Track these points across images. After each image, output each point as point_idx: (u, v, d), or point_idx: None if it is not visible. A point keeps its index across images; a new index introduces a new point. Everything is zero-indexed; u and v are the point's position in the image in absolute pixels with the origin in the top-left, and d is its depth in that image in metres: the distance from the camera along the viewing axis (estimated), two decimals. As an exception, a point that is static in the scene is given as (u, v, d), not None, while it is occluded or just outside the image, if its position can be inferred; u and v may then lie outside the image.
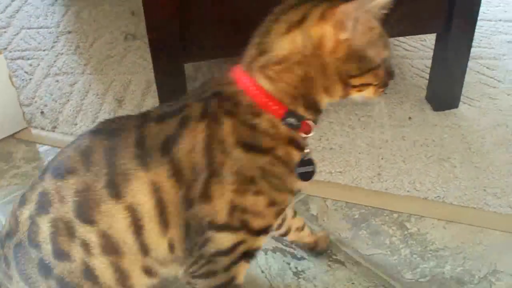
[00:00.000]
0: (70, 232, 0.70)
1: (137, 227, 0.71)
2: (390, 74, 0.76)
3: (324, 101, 0.73)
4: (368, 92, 0.75)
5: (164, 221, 0.71)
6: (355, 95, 0.75)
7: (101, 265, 0.72)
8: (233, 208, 0.70)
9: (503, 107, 1.45)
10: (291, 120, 0.70)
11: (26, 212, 0.73)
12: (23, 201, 0.74)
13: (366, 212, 1.15)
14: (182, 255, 0.74)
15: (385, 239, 1.09)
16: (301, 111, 0.71)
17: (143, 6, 1.11)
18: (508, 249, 1.07)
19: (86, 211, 0.70)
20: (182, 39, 1.17)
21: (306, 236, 1.02)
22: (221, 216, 0.70)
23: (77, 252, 0.71)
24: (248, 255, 0.75)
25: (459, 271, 1.03)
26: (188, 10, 1.14)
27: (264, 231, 0.74)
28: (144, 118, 0.74)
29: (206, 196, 0.70)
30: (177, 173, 0.69)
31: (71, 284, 0.72)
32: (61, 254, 0.71)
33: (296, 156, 0.73)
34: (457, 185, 1.21)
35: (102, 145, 0.72)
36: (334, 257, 1.06)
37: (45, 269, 0.72)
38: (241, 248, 0.73)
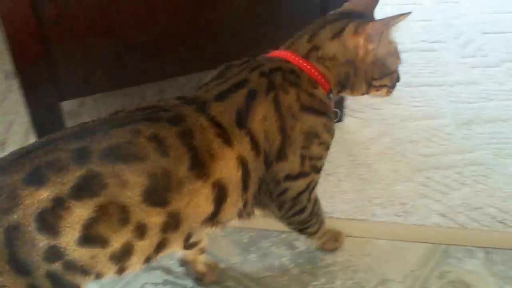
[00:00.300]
0: (124, 217, 0.71)
1: (219, 200, 0.79)
2: (398, 78, 0.98)
3: (347, 93, 0.97)
4: (382, 92, 0.97)
5: (245, 187, 0.82)
6: (373, 94, 0.97)
7: (147, 242, 0.74)
8: (303, 159, 0.87)
9: (387, 116, 1.51)
10: (331, 95, 0.92)
11: (44, 193, 0.67)
12: (37, 181, 0.68)
13: (255, 236, 1.15)
14: (250, 208, 0.87)
15: (275, 261, 1.09)
16: (334, 93, 0.94)
17: (8, 47, 1.08)
18: (395, 257, 1.10)
19: (161, 194, 0.72)
20: (53, 78, 1.14)
21: (200, 263, 1.04)
22: (296, 168, 0.88)
23: (122, 237, 0.72)
24: (316, 183, 0.95)
25: (349, 285, 1.04)
26: (55, 49, 1.12)
27: (322, 168, 0.94)
28: (196, 101, 0.80)
29: (282, 156, 0.85)
30: (254, 142, 0.81)
31: (85, 268, 0.71)
32: (94, 240, 0.70)
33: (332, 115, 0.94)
34: (343, 198, 1.24)
35: (173, 131, 0.75)
36: (225, 284, 1.06)
37: (54, 255, 0.69)
38: (312, 184, 0.93)
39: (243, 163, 0.80)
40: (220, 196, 0.79)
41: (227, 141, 0.78)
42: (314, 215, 0.99)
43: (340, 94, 0.97)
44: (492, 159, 1.38)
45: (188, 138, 0.75)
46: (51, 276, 0.70)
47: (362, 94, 0.98)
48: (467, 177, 1.32)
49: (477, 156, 1.38)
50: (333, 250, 1.11)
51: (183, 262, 1.05)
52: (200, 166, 0.75)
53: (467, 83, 1.67)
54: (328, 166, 1.30)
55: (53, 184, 0.68)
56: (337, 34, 0.90)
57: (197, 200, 0.76)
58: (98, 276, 0.74)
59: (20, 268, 0.68)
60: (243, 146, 0.80)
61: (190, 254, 1.02)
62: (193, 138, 0.75)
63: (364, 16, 0.92)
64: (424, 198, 1.25)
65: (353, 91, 0.96)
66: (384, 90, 0.97)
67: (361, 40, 0.89)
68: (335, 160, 1.34)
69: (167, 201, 0.73)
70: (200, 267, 1.05)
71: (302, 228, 1.00)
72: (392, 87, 0.98)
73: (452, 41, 1.80)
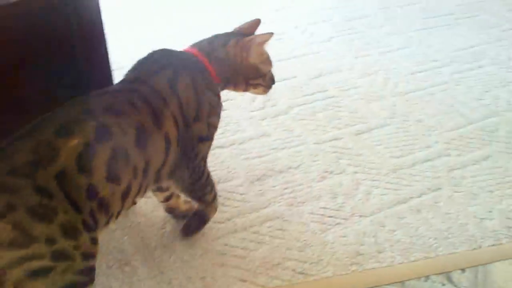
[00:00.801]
0: (126, 159, 0.97)
1: (167, 150, 1.08)
2: (272, 80, 1.34)
3: (231, 89, 1.32)
4: (259, 90, 1.33)
5: (178, 143, 1.10)
6: (251, 91, 1.33)
7: (137, 186, 1.01)
8: (208, 125, 1.20)
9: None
10: (220, 85, 1.26)
11: (73, 141, 0.89)
12: (65, 133, 0.90)
13: None
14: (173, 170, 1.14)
15: None
16: (221, 86, 1.27)
17: None
18: None
19: (143, 141, 1.00)
20: None
21: (181, 204, 1.38)
22: (204, 131, 1.19)
23: (126, 177, 0.97)
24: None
25: None
26: None
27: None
28: (136, 79, 1.12)
29: (197, 118, 1.15)
30: (180, 105, 1.10)
31: (109, 204, 0.95)
32: (114, 178, 0.94)
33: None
34: (141, 286, 1.20)
35: (135, 96, 1.04)
36: None
37: (91, 193, 0.91)
38: (208, 150, 1.24)
39: (176, 121, 1.08)
40: (168, 147, 1.07)
41: (166, 101, 1.07)
42: (210, 183, 1.27)
43: (226, 88, 1.30)
44: (286, 210, 1.43)
45: (147, 101, 1.04)
46: (92, 215, 0.92)
47: (243, 91, 1.33)
48: (264, 235, 1.35)
49: (272, 211, 1.43)
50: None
51: (170, 210, 1.37)
52: (157, 120, 1.04)
53: (257, 136, 1.73)
54: (122, 256, 1.26)
55: (78, 133, 0.91)
56: (224, 44, 1.24)
57: (157, 147, 1.05)
58: (111, 217, 0.98)
59: (76, 206, 0.88)
60: (174, 107, 1.09)
61: (171, 202, 1.35)
62: (150, 101, 1.05)
63: (246, 35, 1.27)
64: (223, 267, 1.25)
65: (236, 87, 1.32)
66: (261, 88, 1.33)
67: (238, 50, 1.24)
68: (128, 248, 1.30)
69: (146, 147, 1.01)
70: (183, 207, 1.37)
71: (202, 194, 1.26)
72: (267, 87, 1.34)
73: (240, 97, 1.86)
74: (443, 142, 1.68)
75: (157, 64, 1.15)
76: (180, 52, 1.22)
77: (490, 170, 1.57)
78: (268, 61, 1.31)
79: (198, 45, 1.26)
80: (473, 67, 2.14)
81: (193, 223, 1.32)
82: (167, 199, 1.35)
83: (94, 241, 0.92)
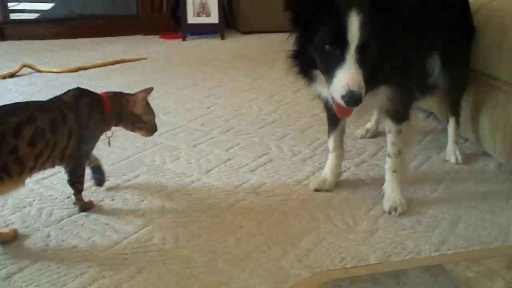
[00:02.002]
0: (42, 135, 1.73)
1: (69, 140, 1.83)
2: (154, 127, 2.00)
3: (122, 126, 1.99)
4: (143, 133, 2.00)
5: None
6: (137, 131, 1.99)
7: (46, 154, 1.76)
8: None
9: None
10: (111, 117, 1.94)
11: (15, 119, 1.67)
12: (11, 115, 1.69)
13: None
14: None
15: None
16: (111, 122, 1.96)
17: None
18: None
19: (54, 128, 1.76)
20: None
21: None
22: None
23: (40, 145, 1.73)
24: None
25: None
26: None
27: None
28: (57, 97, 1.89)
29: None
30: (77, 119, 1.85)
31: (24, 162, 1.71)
32: (32, 145, 1.70)
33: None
34: None
35: (55, 105, 1.84)
36: None
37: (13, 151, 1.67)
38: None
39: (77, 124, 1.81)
40: (69, 137, 1.79)
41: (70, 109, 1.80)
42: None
43: (118, 125, 1.97)
44: None
45: (60, 108, 1.80)
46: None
47: (130, 130, 1.98)
48: None
49: None
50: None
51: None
52: (63, 119, 1.77)
53: None
54: None
55: (18, 116, 1.66)
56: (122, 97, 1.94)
57: (63, 135, 1.78)
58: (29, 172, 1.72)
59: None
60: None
61: None
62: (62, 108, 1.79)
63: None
64: None
65: (124, 126, 1.97)
66: (144, 131, 1.98)
67: (128, 103, 1.92)
68: None
69: (56, 133, 1.74)
70: None
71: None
72: (150, 131, 1.99)
73: None
74: (97, 265, 1.66)
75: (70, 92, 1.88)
76: (93, 93, 1.93)
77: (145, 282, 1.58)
78: (149, 112, 1.97)
79: (108, 92, 1.96)
80: (129, 177, 2.21)
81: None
82: None
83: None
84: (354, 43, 1.57)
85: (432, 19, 2.03)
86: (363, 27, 1.57)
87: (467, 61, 2.33)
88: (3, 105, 1.72)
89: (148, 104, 1.97)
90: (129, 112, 1.93)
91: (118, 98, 1.94)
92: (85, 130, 1.84)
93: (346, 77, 1.57)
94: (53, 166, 1.80)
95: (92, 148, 1.93)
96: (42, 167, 1.74)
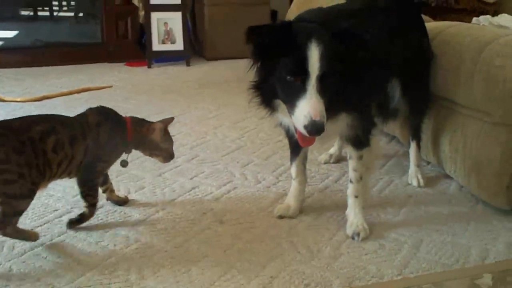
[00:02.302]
0: (63, 146, 1.91)
1: (85, 156, 2.00)
2: (172, 155, 2.11)
3: (141, 151, 2.13)
4: (161, 159, 2.11)
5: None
6: (155, 157, 2.12)
7: (65, 164, 1.94)
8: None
9: None
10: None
11: (38, 128, 1.89)
12: (36, 124, 1.88)
13: None
14: None
15: None
16: (131, 146, 2.10)
17: None
18: None
19: (73, 142, 1.94)
20: None
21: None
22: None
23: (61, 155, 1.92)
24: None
25: None
26: None
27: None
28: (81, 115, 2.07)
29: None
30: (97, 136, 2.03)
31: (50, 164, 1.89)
32: (57, 151, 1.90)
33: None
34: None
35: (77, 122, 2.01)
36: None
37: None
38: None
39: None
40: (86, 152, 1.95)
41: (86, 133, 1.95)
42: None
43: (137, 150, 2.11)
44: None
45: (82, 126, 1.97)
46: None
47: (149, 155, 2.13)
48: None
49: None
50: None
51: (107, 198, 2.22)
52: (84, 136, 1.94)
53: None
54: None
55: (41, 125, 1.83)
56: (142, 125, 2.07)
57: (80, 150, 1.94)
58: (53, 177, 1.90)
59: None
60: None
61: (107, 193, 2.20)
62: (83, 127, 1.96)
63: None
64: None
65: (143, 152, 2.10)
66: (161, 157, 2.11)
67: (144, 131, 2.05)
68: None
69: (74, 147, 1.91)
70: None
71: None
72: (166, 158, 2.12)
73: None
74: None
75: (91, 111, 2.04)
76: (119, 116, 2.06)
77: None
78: (168, 140, 2.09)
79: (132, 117, 2.07)
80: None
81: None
82: (104, 191, 2.17)
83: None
84: (315, 73, 1.62)
85: (391, 46, 2.08)
86: (323, 57, 1.62)
87: (426, 86, 2.40)
88: (27, 116, 1.92)
89: (167, 133, 2.08)
90: (148, 139, 2.05)
91: (140, 125, 2.05)
92: (103, 151, 1.96)
93: (308, 107, 1.61)
94: (69, 176, 1.96)
95: (109, 167, 2.06)
96: (61, 176, 1.91)
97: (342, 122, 1.87)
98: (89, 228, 2.05)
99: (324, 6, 2.13)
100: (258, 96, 1.82)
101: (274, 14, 5.99)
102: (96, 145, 1.93)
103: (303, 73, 1.62)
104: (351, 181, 2.04)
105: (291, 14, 3.58)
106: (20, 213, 1.80)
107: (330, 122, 1.75)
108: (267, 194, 2.35)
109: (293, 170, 2.17)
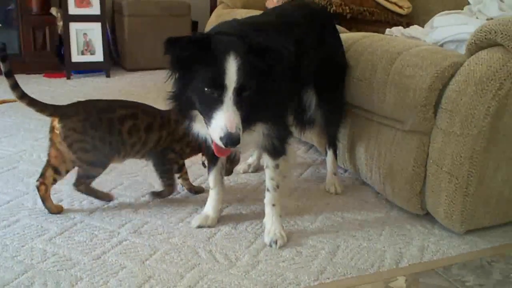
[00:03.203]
0: (138, 131, 2.20)
1: (157, 143, 2.27)
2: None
3: None
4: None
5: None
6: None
7: (138, 146, 2.25)
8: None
9: None
10: None
11: (123, 111, 2.20)
12: (117, 109, 2.19)
13: None
14: None
15: None
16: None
17: None
18: None
19: (147, 131, 2.21)
20: None
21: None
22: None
23: (135, 138, 2.22)
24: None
25: None
26: None
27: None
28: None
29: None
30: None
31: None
32: (132, 133, 2.21)
33: None
34: None
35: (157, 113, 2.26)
36: None
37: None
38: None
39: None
40: (158, 141, 2.23)
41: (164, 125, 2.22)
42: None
43: None
44: None
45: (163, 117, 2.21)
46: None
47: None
48: None
49: None
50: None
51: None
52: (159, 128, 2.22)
53: None
54: None
55: (125, 110, 2.14)
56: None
57: (152, 138, 2.21)
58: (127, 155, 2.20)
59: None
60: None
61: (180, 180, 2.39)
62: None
63: None
64: None
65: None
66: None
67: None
68: None
69: (147, 135, 2.18)
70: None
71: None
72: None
73: None
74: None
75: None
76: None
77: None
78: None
79: None
80: (9, 222, 2.14)
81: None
82: (179, 177, 2.36)
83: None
84: (231, 86, 1.65)
85: (305, 58, 2.15)
86: (240, 70, 1.66)
87: (341, 96, 2.49)
88: (120, 100, 2.27)
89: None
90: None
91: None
92: (176, 144, 2.24)
93: (224, 119, 1.64)
94: (143, 158, 2.27)
95: (181, 158, 2.32)
96: (135, 156, 2.22)
97: (259, 133, 1.91)
98: (5, 243, 1.99)
99: (239, 18, 2.18)
100: (176, 106, 1.84)
101: (195, 24, 6.02)
102: (171, 138, 2.20)
103: (221, 86, 1.66)
104: (268, 190, 2.08)
105: (210, 25, 3.61)
106: (91, 177, 2.17)
107: (246, 133, 1.79)
108: (186, 205, 2.36)
109: (211, 180, 2.20)
